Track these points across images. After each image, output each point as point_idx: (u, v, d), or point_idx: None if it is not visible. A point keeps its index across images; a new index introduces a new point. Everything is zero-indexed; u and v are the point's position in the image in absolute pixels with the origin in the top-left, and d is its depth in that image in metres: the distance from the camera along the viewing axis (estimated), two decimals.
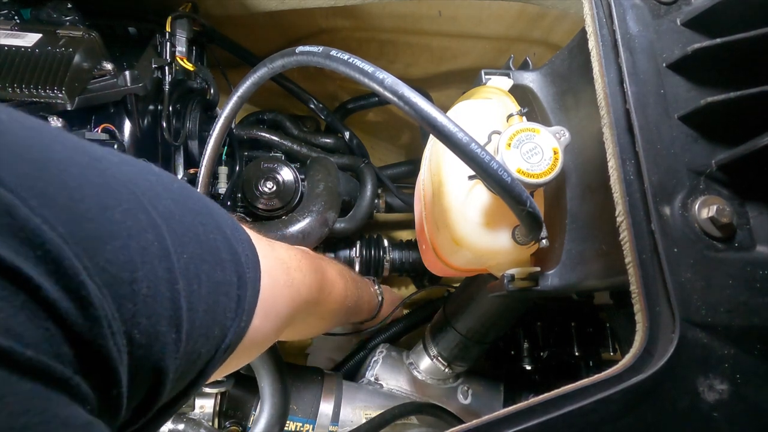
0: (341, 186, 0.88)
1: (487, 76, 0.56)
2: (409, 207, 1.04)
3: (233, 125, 0.91)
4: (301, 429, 0.82)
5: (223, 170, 0.83)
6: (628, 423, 0.35)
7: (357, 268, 1.00)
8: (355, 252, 1.00)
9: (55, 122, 0.63)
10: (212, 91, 0.81)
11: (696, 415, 0.35)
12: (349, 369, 1.05)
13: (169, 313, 0.27)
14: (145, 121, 0.71)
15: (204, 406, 0.80)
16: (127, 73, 0.63)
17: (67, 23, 0.63)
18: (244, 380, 0.83)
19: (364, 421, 0.81)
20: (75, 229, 0.22)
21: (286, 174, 0.87)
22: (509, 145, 0.44)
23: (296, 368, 0.89)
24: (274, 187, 0.86)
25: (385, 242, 1.02)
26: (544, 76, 0.57)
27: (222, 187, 0.82)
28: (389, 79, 0.40)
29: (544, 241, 0.47)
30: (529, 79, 0.57)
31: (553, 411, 0.35)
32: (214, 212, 0.35)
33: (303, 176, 0.88)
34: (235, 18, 0.87)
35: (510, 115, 0.51)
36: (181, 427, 0.73)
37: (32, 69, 0.54)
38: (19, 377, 0.18)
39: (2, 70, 0.54)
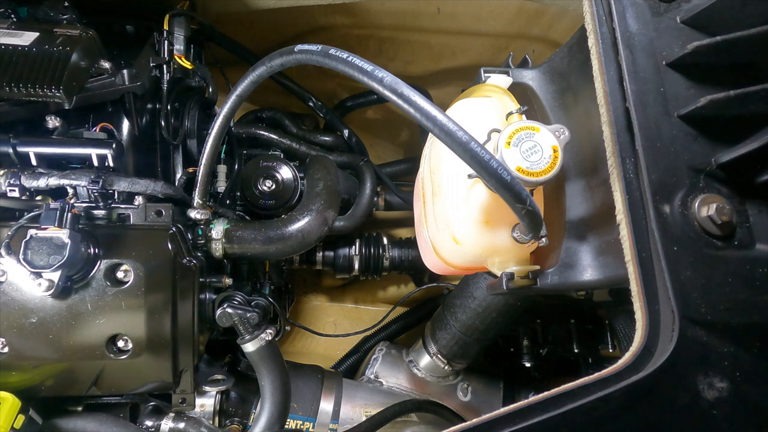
0: (340, 184, 0.88)
1: (486, 74, 0.56)
2: (409, 205, 1.04)
3: (232, 123, 0.90)
4: (302, 427, 0.82)
5: (222, 169, 0.83)
6: (629, 421, 0.35)
7: (356, 266, 1.00)
8: (354, 250, 1.00)
9: (53, 121, 0.63)
10: (211, 89, 0.81)
11: (696, 412, 0.35)
12: (349, 367, 1.05)
13: None
14: (144, 120, 0.71)
15: (204, 405, 0.80)
16: (125, 71, 0.63)
17: (64, 22, 0.63)
18: (245, 379, 0.83)
19: (364, 418, 0.81)
20: None
21: (285, 172, 0.86)
22: (509, 143, 0.44)
23: (296, 367, 0.89)
24: (274, 186, 0.86)
25: (385, 240, 1.02)
26: (544, 73, 0.57)
27: (221, 186, 0.82)
28: (388, 77, 0.40)
29: (543, 239, 0.47)
30: (529, 77, 0.57)
31: (553, 409, 0.35)
32: None
33: (302, 174, 0.87)
34: (233, 16, 0.87)
35: (509, 114, 0.51)
36: (181, 425, 0.73)
37: (30, 68, 0.54)
38: None
39: (0, 68, 0.53)
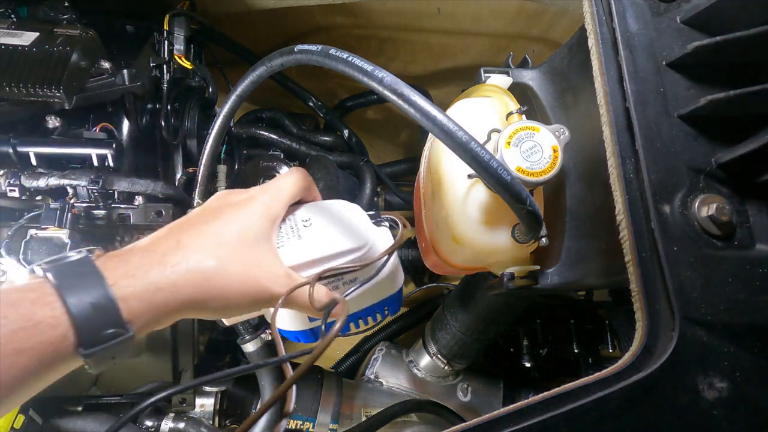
0: (340, 184, 0.88)
1: (486, 74, 0.56)
2: (409, 205, 1.04)
3: (232, 123, 0.90)
4: (302, 427, 0.82)
5: (222, 169, 0.83)
6: (628, 421, 0.35)
7: None
8: None
9: (53, 121, 0.63)
10: (211, 89, 0.81)
11: (696, 412, 0.35)
12: (349, 367, 1.05)
13: None
14: (144, 120, 0.71)
15: (204, 404, 0.80)
16: (125, 71, 0.63)
17: (65, 22, 0.63)
18: (245, 379, 0.83)
19: (363, 419, 0.81)
20: None
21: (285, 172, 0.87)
22: (509, 143, 0.44)
23: (296, 367, 0.89)
24: None
25: None
26: (544, 74, 0.57)
27: (221, 186, 0.82)
28: (388, 77, 0.40)
29: (543, 239, 0.47)
30: (529, 77, 0.57)
31: (553, 409, 0.35)
32: None
33: None
34: (233, 16, 0.87)
35: (509, 114, 0.51)
36: (181, 425, 0.73)
37: (30, 68, 0.54)
38: None
39: (0, 68, 0.53)
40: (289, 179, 0.46)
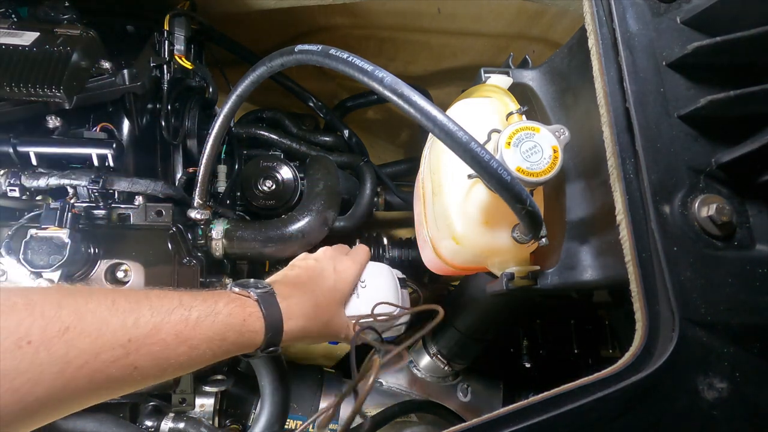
0: (340, 184, 0.88)
1: (486, 75, 0.56)
2: (409, 205, 1.04)
3: (232, 124, 0.90)
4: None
5: (222, 169, 0.83)
6: (628, 421, 0.35)
7: None
8: None
9: (54, 121, 0.63)
10: (211, 89, 0.81)
11: (695, 413, 0.35)
12: (349, 367, 1.05)
13: None
14: (144, 120, 0.71)
15: (204, 404, 0.80)
16: (125, 71, 0.63)
17: (65, 21, 0.63)
18: (245, 379, 0.83)
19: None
20: None
21: (286, 173, 0.87)
22: (509, 143, 0.44)
23: (296, 367, 0.89)
24: (274, 186, 0.86)
25: (385, 240, 1.02)
26: (544, 74, 0.57)
27: (221, 186, 0.82)
28: (388, 77, 0.40)
29: (543, 239, 0.47)
30: (529, 78, 0.57)
31: (552, 410, 0.35)
32: None
33: (302, 175, 0.87)
34: (233, 16, 0.87)
35: (509, 114, 0.51)
36: (181, 425, 0.73)
37: (30, 68, 0.54)
38: None
39: (0, 68, 0.53)
40: (366, 255, 0.69)
